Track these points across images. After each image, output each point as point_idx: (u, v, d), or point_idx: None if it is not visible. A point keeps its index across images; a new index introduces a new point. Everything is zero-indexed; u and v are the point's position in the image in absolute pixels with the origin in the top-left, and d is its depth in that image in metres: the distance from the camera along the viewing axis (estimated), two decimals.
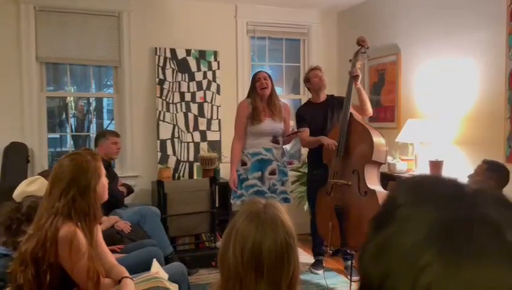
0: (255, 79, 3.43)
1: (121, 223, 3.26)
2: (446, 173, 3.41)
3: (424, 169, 3.58)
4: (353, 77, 3.31)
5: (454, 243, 0.37)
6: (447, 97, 3.57)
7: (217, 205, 4.25)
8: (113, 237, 3.08)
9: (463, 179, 2.23)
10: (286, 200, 3.51)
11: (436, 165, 3.39)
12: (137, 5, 4.36)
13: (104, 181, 1.90)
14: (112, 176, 3.66)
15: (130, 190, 3.91)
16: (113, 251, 2.77)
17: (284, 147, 3.62)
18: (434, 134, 3.53)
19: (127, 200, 3.93)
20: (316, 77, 3.65)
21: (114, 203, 3.53)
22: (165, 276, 2.18)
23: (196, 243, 4.17)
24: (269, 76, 3.45)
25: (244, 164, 3.43)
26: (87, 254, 1.72)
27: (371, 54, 4.25)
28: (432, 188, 0.44)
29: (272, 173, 3.41)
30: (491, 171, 2.56)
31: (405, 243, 0.38)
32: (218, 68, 4.62)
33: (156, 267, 2.22)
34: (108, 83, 5.04)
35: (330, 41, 5.06)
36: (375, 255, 0.41)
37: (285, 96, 5.13)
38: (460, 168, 3.27)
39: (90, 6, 4.18)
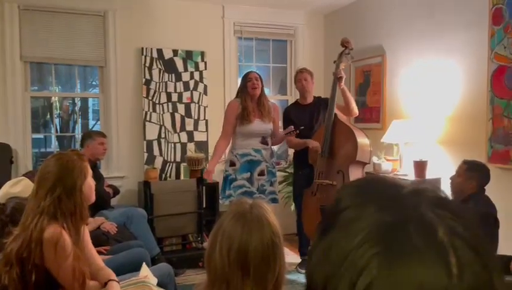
0: (246, 79, 3.43)
1: (107, 224, 3.23)
2: (430, 173, 3.47)
3: (408, 169, 3.63)
4: (337, 78, 3.35)
5: (391, 244, 0.37)
6: (431, 98, 3.63)
7: (204, 206, 4.25)
8: (99, 239, 3.06)
9: (446, 179, 2.26)
10: (274, 200, 3.53)
11: (420, 165, 3.45)
12: (123, 5, 4.33)
13: (91, 182, 1.89)
14: (98, 177, 3.62)
15: (116, 191, 3.88)
16: (99, 253, 2.75)
17: (272, 147, 3.64)
18: (418, 135, 3.59)
19: (113, 201, 3.89)
20: (300, 82, 3.68)
21: (100, 204, 3.49)
22: (154, 281, 2.16)
23: (183, 244, 4.17)
24: (260, 77, 3.46)
25: (233, 164, 3.44)
26: (72, 254, 1.71)
27: (357, 56, 4.30)
28: (374, 190, 0.45)
29: (261, 173, 3.42)
30: (472, 171, 2.61)
31: (347, 245, 0.39)
32: (205, 69, 4.61)
33: (145, 271, 2.20)
34: (93, 83, 5.00)
35: (317, 42, 5.10)
36: (320, 260, 0.42)
37: (272, 97, 5.14)
38: (444, 168, 3.33)
39: (75, 5, 4.14)
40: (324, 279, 0.40)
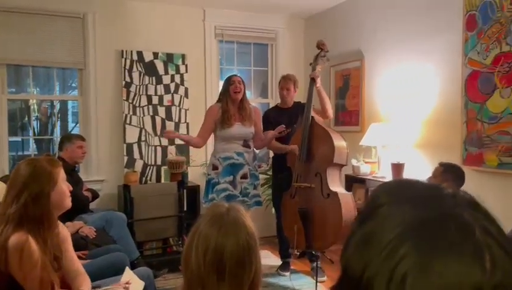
0: (229, 82, 3.43)
1: (86, 228, 3.20)
2: (407, 175, 3.54)
3: (386, 171, 3.69)
4: (312, 79, 3.39)
5: (429, 239, 0.41)
6: (408, 102, 3.71)
7: (185, 209, 4.24)
8: (77, 243, 3.01)
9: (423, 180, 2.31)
10: (258, 203, 3.55)
11: (397, 167, 3.51)
12: (102, 7, 4.30)
13: (63, 188, 1.83)
14: (76, 181, 3.59)
15: (95, 195, 3.84)
16: (77, 257, 2.73)
17: (255, 150, 3.66)
18: (395, 137, 3.66)
19: (92, 205, 3.85)
20: (282, 89, 3.72)
21: (79, 208, 3.46)
22: (140, 285, 2.12)
23: (164, 248, 4.15)
24: (242, 81, 3.48)
25: (215, 168, 3.44)
26: (40, 263, 1.65)
27: (336, 60, 4.37)
28: (410, 189, 0.48)
29: (244, 177, 3.43)
30: (447, 173, 2.68)
31: (384, 237, 0.42)
32: (186, 71, 4.61)
33: (127, 276, 2.15)
34: (73, 85, 4.94)
35: (297, 46, 5.15)
36: (358, 248, 0.45)
37: (253, 100, 5.16)
38: (420, 170, 3.40)
39: (53, 7, 4.09)
40: (363, 266, 0.42)
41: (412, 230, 0.42)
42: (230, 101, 3.40)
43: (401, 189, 0.49)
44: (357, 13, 4.31)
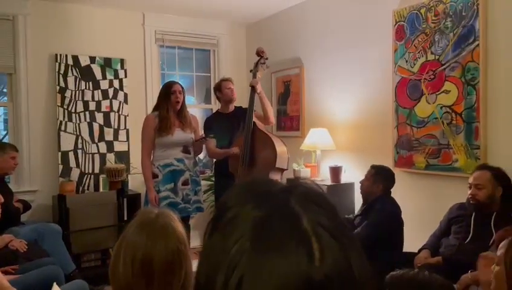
0: (170, 91, 3.37)
1: (16, 242, 3.02)
2: (345, 177, 3.67)
3: (325, 175, 3.81)
4: (252, 87, 3.44)
5: (260, 238, 0.40)
6: (345, 108, 3.86)
7: (125, 218, 4.12)
8: (6, 257, 2.86)
9: (357, 183, 2.42)
10: (200, 209, 3.52)
11: (335, 170, 3.64)
12: (35, 9, 4.10)
13: None
14: (6, 192, 3.38)
15: (26, 206, 3.64)
16: (6, 272, 2.57)
17: (196, 156, 3.62)
18: (333, 142, 3.78)
19: (24, 217, 3.65)
20: (228, 88, 3.69)
21: (8, 220, 3.27)
22: None
23: (103, 259, 4.00)
24: (183, 89, 3.43)
25: (155, 176, 3.36)
26: None
27: (277, 66, 4.46)
28: (252, 189, 0.48)
29: (185, 183, 3.39)
30: (378, 175, 2.82)
31: (224, 245, 0.42)
32: (126, 76, 4.50)
33: None
34: (4, 90, 4.65)
35: (239, 53, 5.19)
36: (202, 261, 0.44)
37: (196, 106, 5.15)
38: (357, 173, 3.54)
39: None
40: (205, 278, 0.42)
41: (246, 232, 0.41)
42: (171, 109, 3.34)
43: (245, 189, 0.48)
44: (297, 22, 4.43)
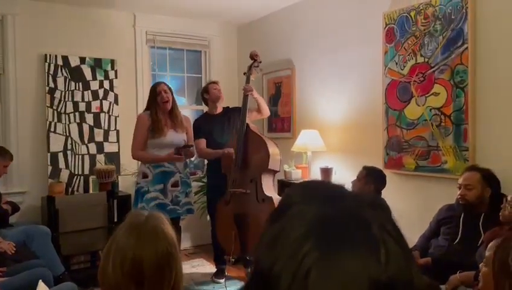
0: (155, 92, 3.36)
1: (4, 244, 3.00)
2: (335, 178, 3.69)
3: (316, 176, 3.82)
4: (246, 96, 3.47)
5: (330, 236, 0.43)
6: (336, 109, 3.88)
7: (115, 220, 4.09)
8: None
9: (348, 184, 2.45)
10: (190, 211, 3.51)
11: (326, 171, 3.65)
12: (24, 9, 4.06)
13: None
14: None
15: (15, 208, 3.60)
16: None
17: (197, 159, 3.62)
18: (324, 143, 3.80)
19: (13, 218, 3.61)
20: (215, 89, 3.73)
21: None
22: None
23: (92, 261, 3.97)
24: (169, 88, 3.41)
25: (145, 176, 3.35)
26: None
27: (268, 68, 4.47)
28: (318, 189, 0.52)
29: (175, 185, 3.38)
30: (370, 176, 2.84)
31: (292, 234, 0.44)
32: (116, 77, 4.47)
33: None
34: None
35: (231, 54, 5.19)
36: (267, 245, 0.46)
37: (187, 107, 5.13)
38: (347, 174, 3.55)
39: None
40: (271, 263, 0.44)
41: (315, 228, 0.44)
42: (160, 111, 3.33)
43: (309, 189, 0.51)
44: (288, 24, 4.44)
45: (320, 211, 0.46)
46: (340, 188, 0.51)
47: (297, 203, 0.48)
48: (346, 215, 0.45)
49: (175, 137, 3.34)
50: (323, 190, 0.51)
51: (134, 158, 3.49)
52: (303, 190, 0.51)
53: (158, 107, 3.32)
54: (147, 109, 3.42)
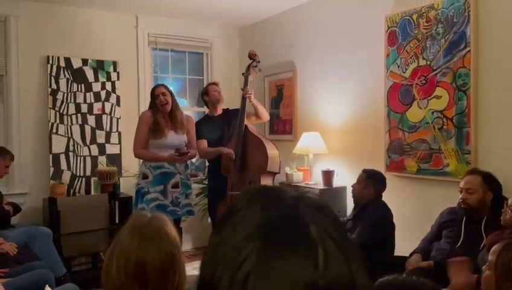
0: (154, 95, 3.38)
1: (6, 245, 3.00)
2: (337, 181, 3.69)
3: (317, 178, 3.82)
4: (244, 98, 3.46)
5: (269, 238, 0.43)
6: (337, 112, 3.88)
7: (116, 222, 4.10)
8: None
9: (348, 187, 2.44)
10: (190, 212, 3.50)
11: (327, 174, 3.65)
12: (27, 11, 4.07)
13: None
14: None
15: (17, 209, 3.60)
16: None
17: (200, 159, 3.62)
18: (325, 145, 3.80)
19: (14, 220, 3.61)
20: (215, 91, 3.72)
21: None
22: None
23: (94, 263, 3.97)
24: (168, 90, 3.42)
25: (145, 177, 3.36)
26: None
27: (270, 70, 4.47)
28: (261, 194, 0.50)
29: (175, 186, 3.38)
30: (370, 179, 2.84)
31: (233, 240, 0.44)
32: (118, 79, 4.48)
33: None
34: None
35: (232, 56, 5.20)
36: (209, 255, 0.46)
37: (189, 109, 5.14)
38: (349, 177, 3.55)
39: None
40: (211, 272, 0.44)
41: (256, 232, 0.43)
42: (159, 113, 3.34)
43: (252, 195, 0.50)
44: (290, 26, 4.45)
45: (261, 215, 0.45)
46: (282, 192, 0.50)
47: (242, 208, 0.47)
48: (285, 217, 0.45)
49: (175, 138, 3.35)
50: (265, 194, 0.50)
51: (135, 156, 3.50)
52: (246, 195, 0.50)
53: (158, 110, 3.34)
54: (150, 107, 3.44)
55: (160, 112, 3.33)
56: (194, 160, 5.04)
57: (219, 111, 3.75)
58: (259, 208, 0.46)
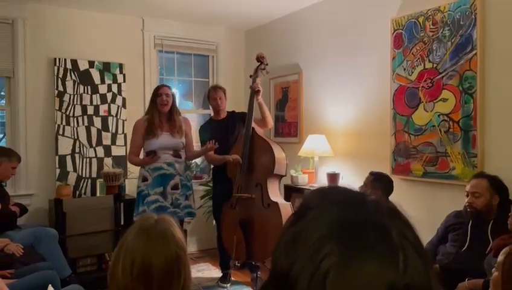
0: (157, 93, 3.41)
1: (12, 246, 3.01)
2: (342, 184, 3.68)
3: (322, 181, 3.81)
4: (254, 92, 3.45)
5: (350, 239, 0.44)
6: (342, 114, 3.87)
7: (122, 223, 4.11)
8: (2, 261, 2.85)
9: (355, 189, 2.44)
10: (191, 214, 3.51)
11: (332, 177, 3.64)
12: (34, 13, 4.10)
13: None
14: (2, 196, 3.41)
15: (23, 210, 3.62)
16: (2, 277, 2.56)
17: (189, 161, 3.62)
18: (330, 148, 3.79)
19: (21, 221, 3.63)
20: (214, 100, 3.72)
21: (5, 224, 3.27)
22: None
23: (99, 264, 3.98)
24: (172, 93, 3.44)
25: (145, 179, 3.38)
26: None
27: (275, 73, 4.47)
28: (338, 195, 0.52)
29: (175, 187, 3.39)
30: (377, 181, 2.83)
31: (311, 236, 0.45)
32: (124, 81, 4.50)
33: None
34: (2, 93, 4.64)
35: (238, 58, 5.21)
36: (286, 246, 0.47)
37: (194, 111, 5.16)
38: (354, 179, 3.54)
39: None
40: (290, 263, 0.45)
41: (336, 231, 0.45)
42: (156, 113, 3.37)
43: (330, 194, 0.53)
44: (295, 28, 4.45)
45: (340, 215, 0.47)
46: (360, 195, 0.52)
47: (317, 207, 0.49)
48: (366, 220, 0.46)
49: (169, 140, 3.38)
50: (343, 195, 0.52)
51: (130, 163, 3.73)
52: (323, 194, 0.52)
53: (155, 109, 3.36)
54: (147, 110, 3.49)
55: (157, 112, 3.36)
56: (198, 162, 5.05)
57: (223, 115, 3.75)
58: (337, 208, 0.48)
